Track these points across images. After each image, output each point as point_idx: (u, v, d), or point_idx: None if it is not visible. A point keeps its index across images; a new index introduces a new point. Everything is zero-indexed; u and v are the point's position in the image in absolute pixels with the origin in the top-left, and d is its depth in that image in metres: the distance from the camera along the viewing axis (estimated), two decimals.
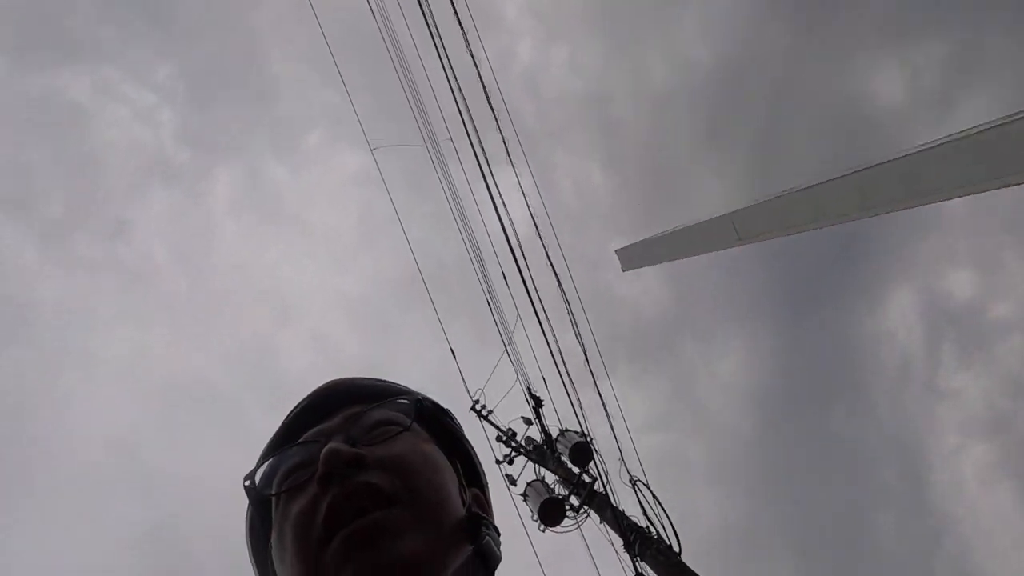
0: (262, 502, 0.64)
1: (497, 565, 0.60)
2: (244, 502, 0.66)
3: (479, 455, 0.75)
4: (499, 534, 0.63)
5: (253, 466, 0.66)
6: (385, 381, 0.72)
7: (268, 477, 0.64)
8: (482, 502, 0.69)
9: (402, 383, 0.73)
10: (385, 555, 0.53)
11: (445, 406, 0.73)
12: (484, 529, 0.61)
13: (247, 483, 0.65)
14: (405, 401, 0.68)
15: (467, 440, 0.73)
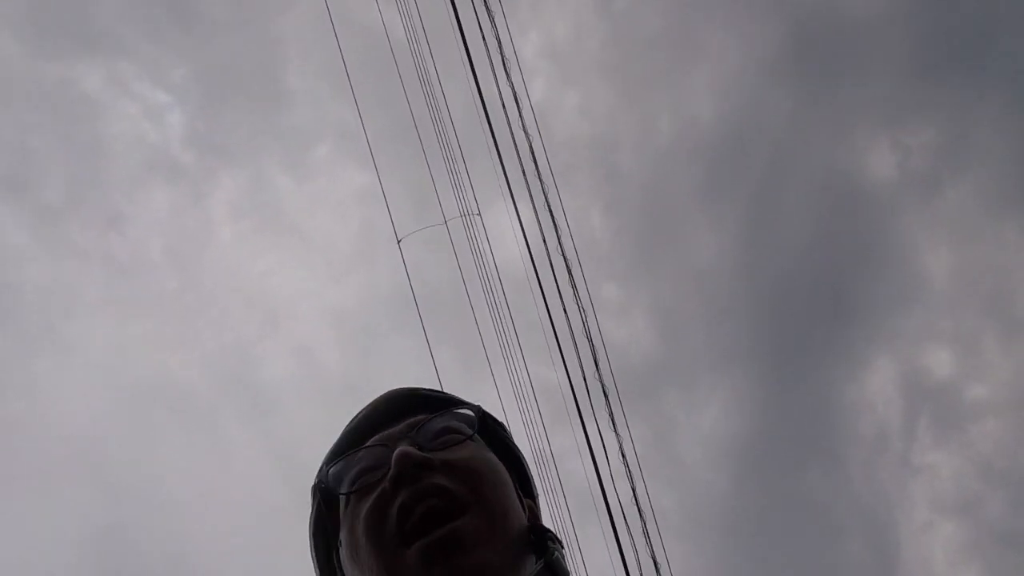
0: (330, 502, 0.66)
1: None
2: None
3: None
4: (563, 547, 0.65)
5: (319, 468, 0.68)
6: (445, 392, 0.75)
7: (337, 478, 0.66)
8: (535, 513, 0.70)
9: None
10: (463, 565, 0.55)
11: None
12: (551, 543, 0.62)
13: (319, 483, 0.67)
14: (467, 412, 0.69)
15: (521, 453, 0.74)
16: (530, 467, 0.74)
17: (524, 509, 0.66)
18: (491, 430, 0.71)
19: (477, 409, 0.70)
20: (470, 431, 0.66)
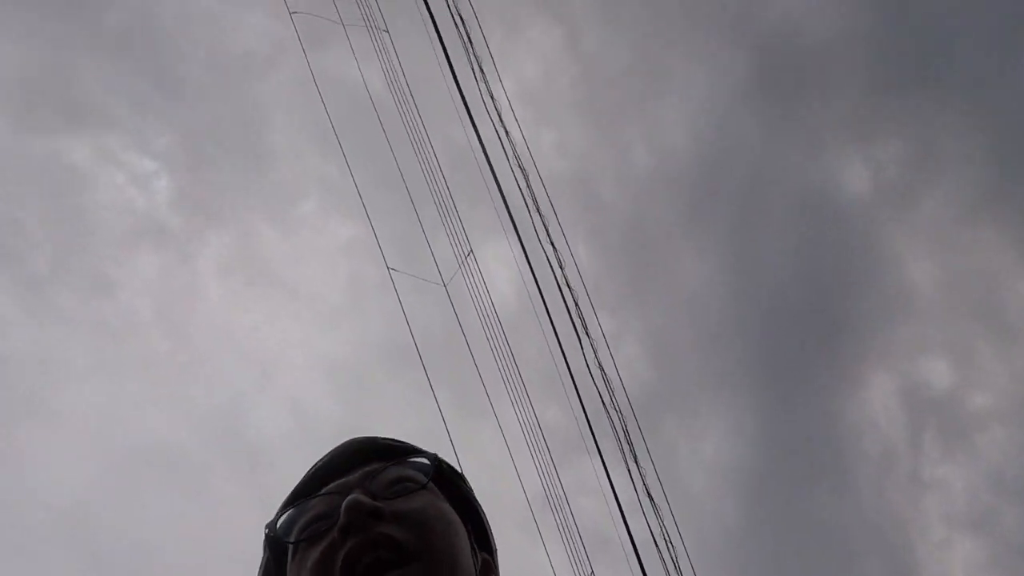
0: (280, 551, 0.65)
1: None
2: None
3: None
4: None
5: (270, 517, 0.68)
6: (403, 441, 0.74)
7: (288, 526, 0.66)
8: (490, 568, 0.69)
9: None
10: None
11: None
12: None
13: (268, 531, 0.66)
14: (423, 460, 0.69)
15: (480, 506, 0.74)
16: (489, 522, 0.74)
17: (476, 562, 0.65)
18: (448, 480, 0.70)
19: (433, 458, 0.69)
20: (424, 480, 0.66)
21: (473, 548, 0.66)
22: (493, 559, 0.71)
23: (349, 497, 0.60)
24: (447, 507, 0.66)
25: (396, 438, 0.74)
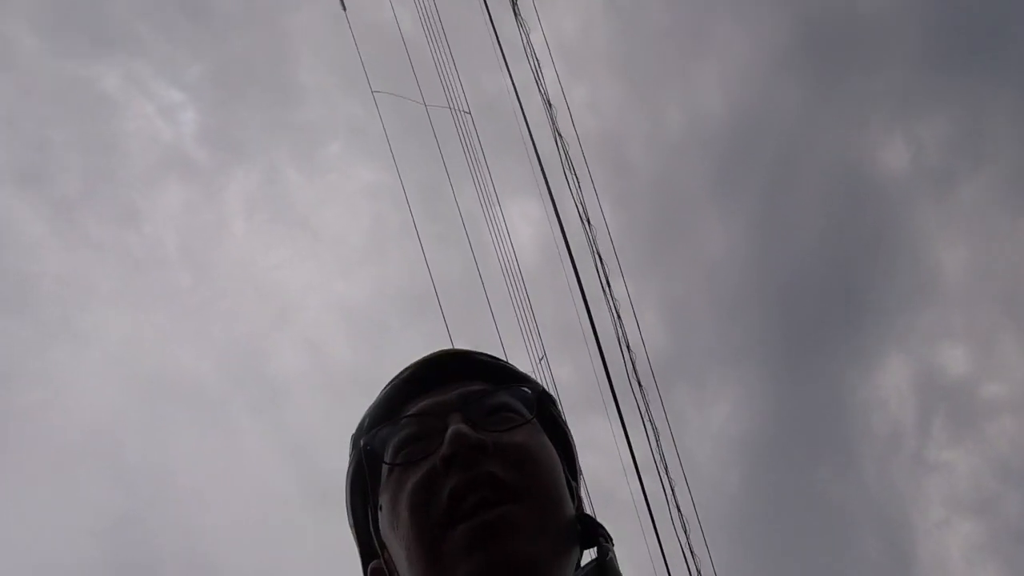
0: (373, 465, 0.63)
1: None
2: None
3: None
4: (612, 542, 0.63)
5: (360, 423, 0.67)
6: (503, 361, 0.70)
7: (383, 443, 0.63)
8: (575, 495, 0.67)
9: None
10: (509, 552, 0.54)
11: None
12: (603, 541, 0.61)
13: (365, 445, 0.64)
14: (527, 390, 0.66)
15: (570, 432, 0.71)
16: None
17: (573, 497, 0.64)
18: (545, 409, 0.67)
19: (536, 387, 0.66)
20: (528, 415, 0.63)
21: (568, 480, 0.64)
22: (578, 485, 0.69)
23: (453, 428, 0.58)
24: (548, 442, 0.64)
25: (494, 355, 0.71)
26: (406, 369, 0.68)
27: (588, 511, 0.67)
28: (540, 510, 0.57)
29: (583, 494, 0.71)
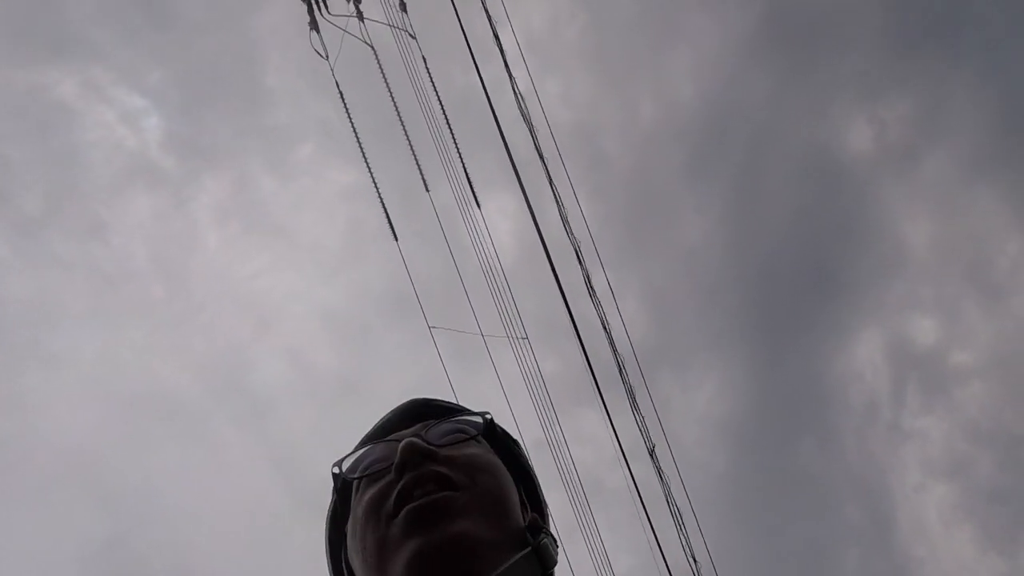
0: (345, 488, 0.70)
1: (553, 567, 0.63)
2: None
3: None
4: (557, 545, 0.66)
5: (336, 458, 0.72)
6: (459, 404, 0.79)
7: (352, 467, 0.70)
8: (539, 526, 0.70)
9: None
10: (447, 530, 0.58)
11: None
12: (543, 534, 0.65)
13: (335, 470, 0.71)
14: (477, 419, 0.73)
15: (532, 469, 0.76)
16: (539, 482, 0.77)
17: (526, 516, 0.68)
18: (500, 439, 0.74)
19: (486, 416, 0.74)
20: (475, 432, 0.70)
21: (523, 503, 0.69)
22: (543, 517, 0.73)
23: (406, 439, 0.64)
24: (497, 459, 0.69)
25: (453, 402, 0.79)
26: (379, 420, 0.76)
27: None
28: (480, 501, 0.61)
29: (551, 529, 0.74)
